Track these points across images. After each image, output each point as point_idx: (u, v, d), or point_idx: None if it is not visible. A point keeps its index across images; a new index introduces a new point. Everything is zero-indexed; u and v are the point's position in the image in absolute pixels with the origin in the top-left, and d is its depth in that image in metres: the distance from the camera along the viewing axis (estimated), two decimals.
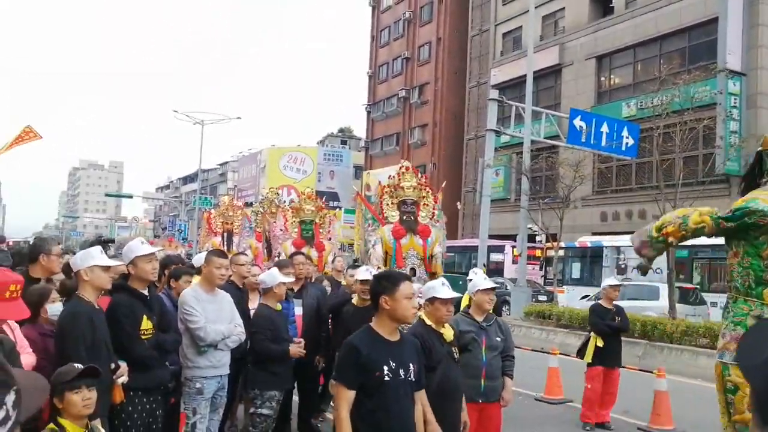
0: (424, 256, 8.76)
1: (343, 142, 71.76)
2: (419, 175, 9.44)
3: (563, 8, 36.11)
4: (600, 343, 8.30)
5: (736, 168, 25.68)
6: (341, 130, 76.64)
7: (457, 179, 41.48)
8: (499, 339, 5.32)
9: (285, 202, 19.14)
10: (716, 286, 21.46)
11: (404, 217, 8.91)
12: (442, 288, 4.50)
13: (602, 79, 33.96)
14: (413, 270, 8.55)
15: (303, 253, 8.03)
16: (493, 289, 5.30)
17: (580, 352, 8.65)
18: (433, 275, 8.63)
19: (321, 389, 7.72)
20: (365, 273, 6.68)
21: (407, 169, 9.26)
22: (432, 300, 4.49)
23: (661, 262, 21.69)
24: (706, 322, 15.66)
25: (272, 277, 6.07)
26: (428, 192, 9.30)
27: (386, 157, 51.06)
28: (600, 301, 8.81)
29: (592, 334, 8.43)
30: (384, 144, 52.55)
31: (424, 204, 9.15)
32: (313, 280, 8.12)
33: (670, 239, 4.20)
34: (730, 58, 26.10)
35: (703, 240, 19.95)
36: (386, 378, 3.37)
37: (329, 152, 65.01)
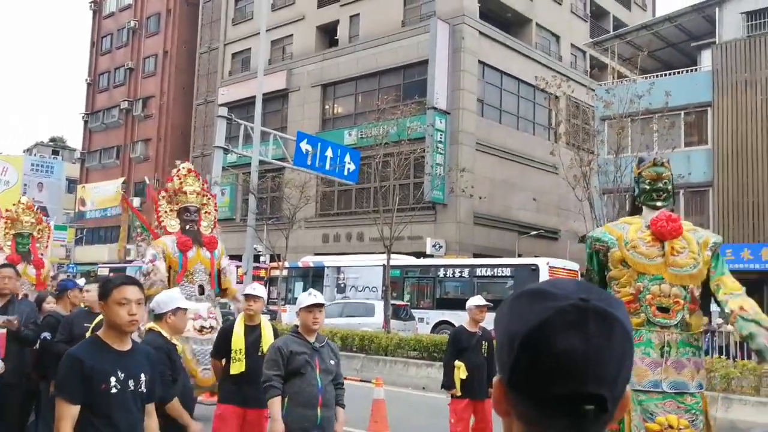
0: (212, 271, 7.82)
1: (55, 153, 66.18)
2: (200, 179, 8.47)
3: (291, 35, 37.28)
4: (463, 375, 6.94)
5: (440, 196, 28.51)
6: (53, 140, 70.76)
7: None
8: (333, 362, 4.81)
9: None
10: (423, 303, 23.59)
11: (187, 227, 7.81)
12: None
13: (327, 106, 35.56)
14: (201, 287, 7.68)
15: (12, 266, 7.23)
16: (318, 306, 4.71)
17: (447, 386, 7.20)
18: (224, 291, 8.06)
19: (34, 422, 6.96)
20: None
21: (189, 171, 8.20)
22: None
23: (376, 281, 23.33)
24: (416, 335, 17.03)
25: None
26: (209, 199, 8.39)
27: (105, 171, 48.15)
28: (464, 324, 7.30)
29: (456, 363, 7.02)
30: (102, 156, 49.43)
31: (206, 212, 8.21)
32: (26, 297, 7.39)
33: None
34: (438, 97, 28.98)
35: (412, 260, 21.68)
36: (113, 390, 3.21)
37: (38, 162, 59.37)
